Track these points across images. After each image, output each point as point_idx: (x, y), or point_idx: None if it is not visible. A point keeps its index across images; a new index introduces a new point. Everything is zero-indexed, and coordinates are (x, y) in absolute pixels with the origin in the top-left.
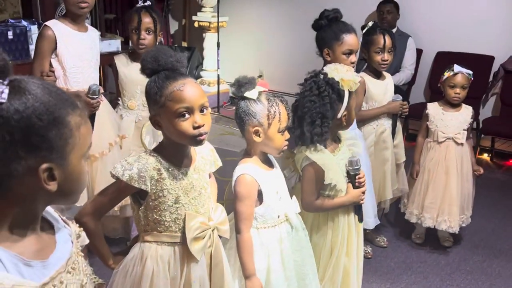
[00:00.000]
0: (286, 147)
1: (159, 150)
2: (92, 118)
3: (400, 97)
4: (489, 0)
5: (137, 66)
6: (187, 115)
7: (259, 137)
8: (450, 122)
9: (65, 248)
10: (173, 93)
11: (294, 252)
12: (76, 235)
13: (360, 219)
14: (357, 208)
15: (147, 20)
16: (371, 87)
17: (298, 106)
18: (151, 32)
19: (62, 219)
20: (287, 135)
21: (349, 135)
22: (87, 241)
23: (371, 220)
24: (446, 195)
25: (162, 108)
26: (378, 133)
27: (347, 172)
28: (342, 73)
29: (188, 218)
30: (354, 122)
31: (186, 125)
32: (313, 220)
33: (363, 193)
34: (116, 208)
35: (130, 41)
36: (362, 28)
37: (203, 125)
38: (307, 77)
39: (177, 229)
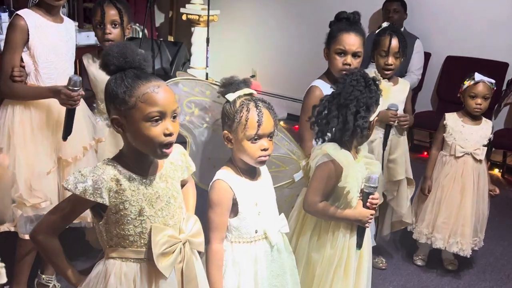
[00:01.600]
0: (263, 158)
1: (119, 158)
2: (72, 114)
3: (397, 106)
4: (505, 2)
5: None
6: (158, 120)
7: (231, 142)
8: (470, 136)
9: None
10: (147, 94)
11: (274, 276)
12: None
13: (359, 245)
14: (360, 231)
15: (111, 13)
16: None
17: (342, 95)
18: (117, 25)
19: None
20: (264, 144)
21: (366, 152)
22: (3, 280)
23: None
24: (460, 215)
25: (130, 110)
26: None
27: (361, 190)
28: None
29: (154, 232)
30: None
31: (156, 130)
32: (313, 230)
33: (372, 216)
34: (89, 219)
35: (95, 36)
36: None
37: (173, 134)
38: (347, 73)
39: (142, 244)
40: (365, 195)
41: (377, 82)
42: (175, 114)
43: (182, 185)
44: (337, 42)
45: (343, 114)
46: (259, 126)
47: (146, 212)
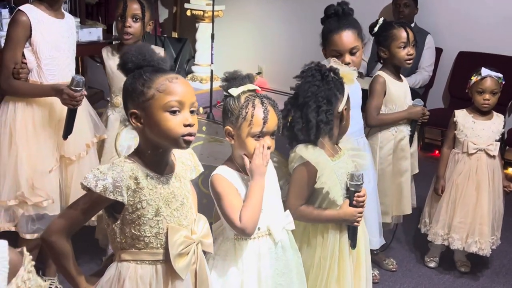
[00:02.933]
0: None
1: (136, 156)
2: (73, 114)
3: (422, 102)
4: None
5: None
6: (177, 111)
7: (232, 138)
8: (482, 132)
9: None
10: (165, 84)
11: (279, 274)
12: (21, 281)
13: (353, 245)
14: (351, 231)
15: (134, 6)
16: (392, 89)
17: (299, 94)
18: (138, 20)
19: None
20: (267, 142)
21: (353, 144)
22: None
23: (375, 239)
24: (477, 213)
25: (148, 101)
26: (396, 140)
27: (347, 188)
28: (338, 65)
29: (171, 232)
30: (362, 129)
31: (175, 121)
32: (303, 232)
33: (360, 214)
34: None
35: (116, 30)
36: (371, 27)
37: (193, 125)
38: (304, 69)
39: (158, 245)
40: (350, 193)
41: (336, 71)
42: (193, 109)
43: None
44: (330, 45)
45: (304, 113)
46: (264, 123)
47: (162, 212)
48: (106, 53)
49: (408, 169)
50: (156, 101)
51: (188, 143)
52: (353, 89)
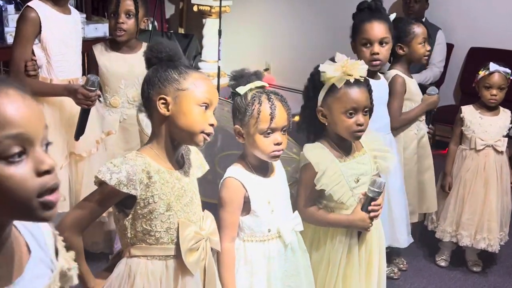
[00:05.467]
0: (277, 153)
1: (147, 150)
2: (87, 114)
3: (437, 90)
4: None
5: (118, 56)
6: (206, 107)
7: (242, 137)
8: (489, 128)
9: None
10: (201, 80)
11: (288, 276)
12: (61, 273)
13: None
14: (361, 236)
15: (127, 2)
16: (411, 87)
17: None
18: (131, 16)
19: (56, 247)
20: (278, 138)
21: (380, 144)
22: (75, 281)
23: (403, 237)
24: (485, 209)
25: (183, 91)
26: (418, 139)
27: (366, 193)
28: (328, 65)
29: (182, 227)
30: (388, 125)
31: (203, 116)
32: (314, 233)
33: (372, 220)
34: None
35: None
36: None
37: (213, 125)
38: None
39: (169, 241)
40: (367, 199)
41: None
42: (214, 111)
43: None
44: (361, 33)
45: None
46: (272, 119)
47: (174, 207)
48: (99, 50)
49: (430, 166)
50: (191, 92)
51: (204, 141)
52: (377, 85)
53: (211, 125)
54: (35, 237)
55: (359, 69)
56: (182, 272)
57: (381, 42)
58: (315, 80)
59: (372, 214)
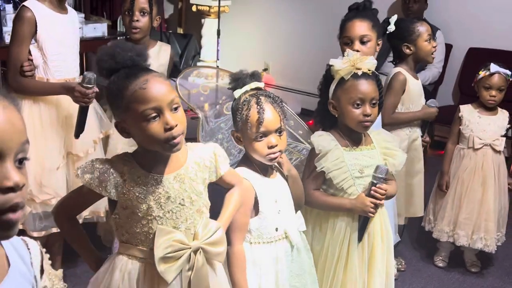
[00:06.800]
0: (273, 155)
1: (134, 154)
2: (85, 112)
3: (437, 103)
4: None
5: None
6: (156, 117)
7: (240, 141)
8: (488, 127)
9: None
10: (135, 92)
11: (293, 276)
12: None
13: (359, 238)
14: (361, 222)
15: (141, 0)
16: (411, 87)
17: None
18: (146, 14)
19: (41, 266)
20: (271, 141)
21: (393, 144)
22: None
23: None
24: (483, 209)
25: (126, 113)
26: (410, 141)
27: (371, 180)
28: (338, 60)
29: (159, 234)
30: (379, 124)
31: (156, 128)
32: (316, 217)
33: (373, 205)
34: (102, 214)
35: (123, 25)
36: (386, 23)
37: (175, 126)
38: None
39: (148, 245)
40: (370, 184)
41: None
42: (175, 105)
43: (228, 188)
44: (343, 32)
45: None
46: (260, 124)
47: (153, 212)
48: None
49: (421, 170)
50: (132, 112)
51: (174, 146)
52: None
53: (169, 129)
54: (18, 251)
55: (367, 63)
56: (158, 278)
57: (361, 41)
58: (327, 75)
59: (373, 199)
